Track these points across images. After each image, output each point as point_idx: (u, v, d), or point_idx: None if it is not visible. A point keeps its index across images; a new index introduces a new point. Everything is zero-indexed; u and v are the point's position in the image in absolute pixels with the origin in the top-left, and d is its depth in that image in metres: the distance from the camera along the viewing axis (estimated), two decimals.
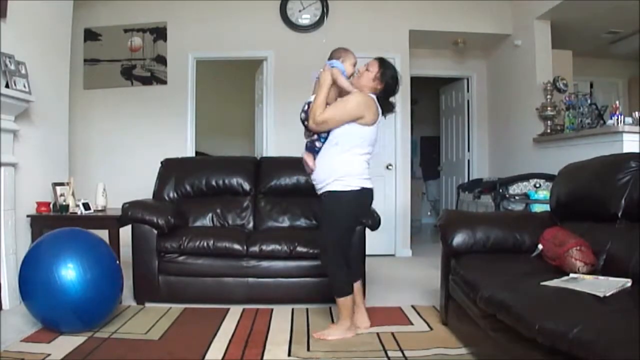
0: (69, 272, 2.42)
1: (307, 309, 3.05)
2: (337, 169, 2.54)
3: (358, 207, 2.64)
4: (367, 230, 3.17)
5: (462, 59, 5.97)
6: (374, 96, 2.61)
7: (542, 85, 4.70)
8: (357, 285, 2.72)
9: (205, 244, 3.11)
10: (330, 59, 2.65)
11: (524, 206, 4.08)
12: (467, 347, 2.38)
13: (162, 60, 5.11)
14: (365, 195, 2.60)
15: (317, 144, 2.61)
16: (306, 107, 2.61)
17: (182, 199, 3.73)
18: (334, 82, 2.55)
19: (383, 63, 2.64)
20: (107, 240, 3.04)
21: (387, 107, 2.68)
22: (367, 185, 2.60)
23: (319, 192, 2.64)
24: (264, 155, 5.03)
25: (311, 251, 3.07)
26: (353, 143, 2.54)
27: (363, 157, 2.59)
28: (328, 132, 2.57)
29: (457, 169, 6.44)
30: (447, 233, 2.64)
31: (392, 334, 2.60)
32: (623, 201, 2.21)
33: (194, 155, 5.22)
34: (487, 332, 2.02)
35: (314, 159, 2.62)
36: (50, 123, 3.55)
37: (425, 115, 8.15)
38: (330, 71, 2.56)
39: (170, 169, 3.86)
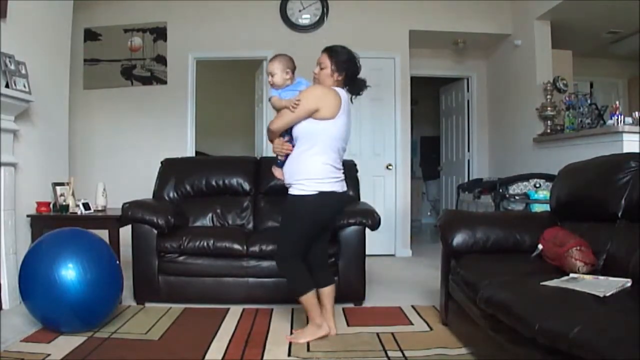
0: (69, 272, 2.42)
1: None
2: (295, 173, 2.45)
3: (316, 213, 2.45)
4: (367, 230, 3.17)
5: (462, 59, 5.97)
6: (337, 88, 2.48)
7: (542, 85, 4.70)
8: (327, 290, 2.60)
9: (205, 244, 3.12)
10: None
11: (524, 206, 4.08)
12: (467, 347, 2.38)
13: (162, 60, 5.12)
14: (325, 198, 2.42)
15: (280, 158, 2.57)
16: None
17: (182, 199, 3.73)
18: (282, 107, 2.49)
19: (331, 52, 2.49)
20: (107, 240, 3.04)
21: (357, 87, 2.54)
22: (327, 188, 2.41)
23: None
24: (264, 155, 5.02)
25: None
26: (312, 142, 2.41)
27: (325, 157, 2.42)
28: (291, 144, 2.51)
29: (457, 169, 6.44)
30: (447, 233, 2.64)
31: (392, 334, 2.60)
32: (623, 201, 2.21)
33: (194, 155, 5.22)
34: (487, 332, 2.02)
35: (280, 170, 2.59)
36: (50, 123, 3.56)
37: (425, 115, 8.15)
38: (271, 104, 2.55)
39: (170, 169, 3.86)
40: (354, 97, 2.58)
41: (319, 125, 2.41)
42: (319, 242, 2.63)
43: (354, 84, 2.53)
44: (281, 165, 2.58)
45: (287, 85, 2.53)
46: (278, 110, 2.52)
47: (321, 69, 2.50)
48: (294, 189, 2.45)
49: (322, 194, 2.40)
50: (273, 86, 2.54)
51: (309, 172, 2.41)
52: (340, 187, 2.50)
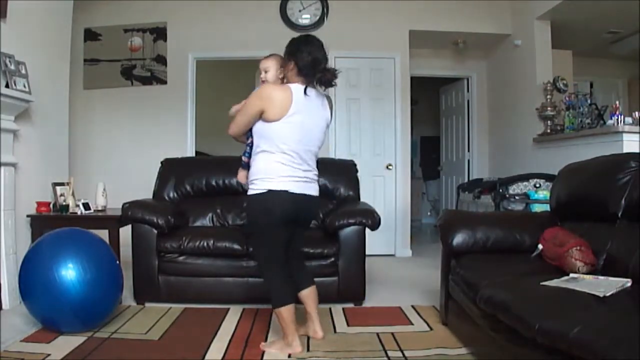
0: (69, 272, 2.42)
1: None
2: (250, 174, 2.38)
3: (269, 213, 2.28)
4: (367, 230, 3.17)
5: (462, 59, 5.97)
6: (293, 85, 2.30)
7: (542, 85, 4.70)
8: (307, 292, 2.52)
9: (205, 244, 3.11)
10: None
11: (524, 206, 4.08)
12: (467, 347, 2.38)
13: (162, 60, 5.11)
14: (275, 197, 2.26)
15: (243, 158, 2.52)
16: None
17: (182, 199, 3.73)
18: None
19: (288, 44, 2.38)
20: (107, 240, 3.04)
21: (322, 80, 2.31)
22: (277, 187, 2.26)
23: None
24: None
25: (311, 251, 3.07)
26: (263, 142, 2.31)
27: (275, 156, 2.28)
28: (251, 145, 2.42)
29: (457, 169, 6.44)
30: (447, 233, 2.63)
31: (392, 334, 2.60)
32: (623, 201, 2.22)
33: (194, 155, 5.22)
34: (487, 332, 2.02)
35: (245, 172, 2.51)
36: (50, 123, 3.56)
37: (425, 115, 8.15)
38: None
39: (170, 169, 3.86)
40: (323, 88, 2.36)
41: (269, 127, 2.28)
42: (290, 250, 2.49)
43: (311, 74, 2.30)
44: (245, 167, 2.53)
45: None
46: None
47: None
48: (249, 189, 2.36)
49: (271, 192, 2.26)
50: (264, 83, 2.43)
51: (258, 171, 2.30)
52: (298, 187, 2.30)
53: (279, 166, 2.27)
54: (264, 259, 2.41)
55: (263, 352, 2.36)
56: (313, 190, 2.41)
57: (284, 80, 2.41)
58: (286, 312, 2.33)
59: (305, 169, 2.35)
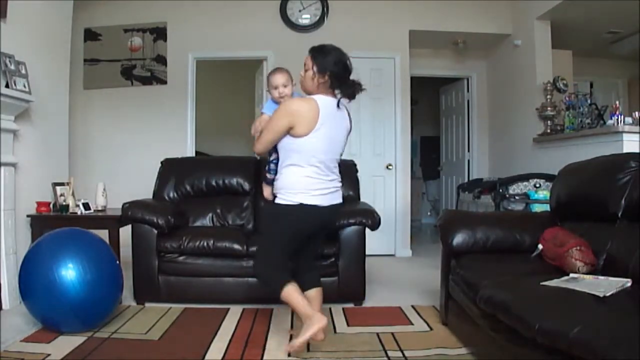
0: (69, 272, 2.42)
1: None
2: (278, 186, 2.37)
3: (294, 226, 2.33)
4: (367, 230, 3.17)
5: (462, 59, 5.97)
6: (318, 97, 2.29)
7: (542, 85, 4.70)
8: (313, 293, 2.47)
9: (205, 244, 3.12)
10: None
11: (524, 206, 4.08)
12: (467, 347, 2.38)
13: (162, 60, 5.11)
14: (305, 212, 2.29)
15: (268, 175, 2.50)
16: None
17: (182, 199, 3.73)
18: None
19: (315, 52, 2.32)
20: (107, 240, 3.04)
21: (348, 91, 2.30)
22: (308, 201, 2.28)
23: None
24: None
25: None
26: (290, 156, 2.31)
27: (304, 169, 2.28)
28: (276, 162, 2.41)
29: (457, 169, 6.44)
30: (447, 233, 2.64)
31: (392, 334, 2.60)
32: (623, 201, 2.21)
33: (194, 155, 5.22)
34: (487, 332, 2.02)
35: (271, 188, 2.50)
36: (50, 123, 3.56)
37: (425, 115, 8.15)
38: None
39: (170, 169, 3.86)
40: (347, 101, 2.37)
41: (297, 142, 2.27)
42: (306, 252, 2.53)
43: (344, 87, 2.31)
44: (269, 183, 2.51)
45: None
46: (256, 130, 2.44)
47: (305, 70, 2.34)
48: (277, 198, 2.37)
49: (300, 206, 2.28)
50: (281, 98, 2.41)
51: (290, 185, 2.30)
52: (325, 200, 2.33)
53: (309, 180, 2.29)
54: (265, 252, 2.40)
55: (263, 352, 2.35)
56: (338, 197, 2.44)
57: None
58: (292, 290, 2.24)
59: (332, 178, 2.38)
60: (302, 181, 2.28)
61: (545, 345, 1.51)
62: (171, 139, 5.08)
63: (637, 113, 3.47)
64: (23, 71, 3.09)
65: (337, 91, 2.34)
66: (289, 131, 2.26)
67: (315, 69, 2.28)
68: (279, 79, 2.43)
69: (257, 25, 5.13)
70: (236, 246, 3.12)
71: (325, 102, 2.29)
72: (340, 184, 2.46)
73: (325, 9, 5.12)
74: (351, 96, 2.32)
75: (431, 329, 2.71)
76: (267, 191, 2.56)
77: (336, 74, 2.28)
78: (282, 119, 2.25)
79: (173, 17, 5.11)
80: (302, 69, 2.36)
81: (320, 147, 2.28)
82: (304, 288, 2.45)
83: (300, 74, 2.37)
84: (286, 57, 5.11)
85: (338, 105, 2.34)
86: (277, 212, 2.36)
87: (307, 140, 2.25)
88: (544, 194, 3.90)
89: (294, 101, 2.31)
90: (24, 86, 3.06)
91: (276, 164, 2.42)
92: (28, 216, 3.24)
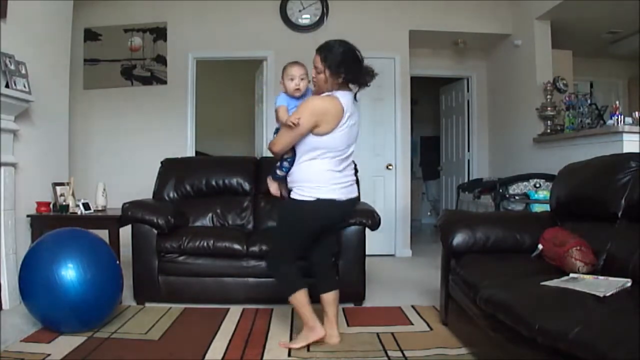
0: (69, 272, 2.42)
1: None
2: (295, 180, 2.37)
3: (310, 220, 2.36)
4: (367, 230, 3.17)
5: (462, 59, 5.97)
6: (338, 93, 2.29)
7: (542, 85, 4.70)
8: (328, 297, 2.49)
9: (205, 244, 3.12)
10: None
11: (524, 206, 4.08)
12: (467, 347, 2.38)
13: (162, 60, 5.11)
14: (322, 206, 2.32)
15: (278, 172, 2.45)
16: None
17: (182, 199, 3.73)
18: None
19: (323, 53, 2.28)
20: (107, 240, 3.04)
21: (363, 80, 2.31)
22: (325, 195, 2.30)
23: None
24: (264, 155, 5.02)
25: None
26: (311, 152, 2.31)
27: (325, 163, 2.31)
28: (292, 160, 2.38)
29: (457, 169, 6.44)
30: (447, 233, 2.64)
31: (392, 334, 2.60)
32: (623, 201, 2.21)
33: (194, 155, 5.22)
34: (487, 332, 2.02)
35: (277, 184, 2.50)
36: (50, 123, 3.55)
37: (425, 115, 8.15)
38: (277, 112, 2.37)
39: (170, 169, 3.86)
40: (362, 88, 2.37)
41: (318, 139, 2.28)
42: (321, 247, 2.58)
43: (360, 79, 2.30)
44: (278, 178, 2.49)
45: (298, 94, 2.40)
46: (281, 122, 2.35)
47: (317, 73, 2.30)
48: (293, 192, 2.38)
49: (319, 201, 2.31)
50: (296, 92, 2.37)
51: (308, 179, 2.32)
52: (343, 194, 2.36)
53: (328, 174, 2.31)
54: (280, 251, 2.43)
55: (263, 352, 2.35)
56: (354, 191, 2.47)
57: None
58: (300, 296, 2.34)
59: (349, 171, 2.43)
60: (323, 175, 2.31)
61: (545, 345, 1.50)
62: (171, 139, 5.07)
63: (637, 113, 3.47)
64: (23, 71, 3.09)
65: (353, 85, 2.35)
66: (309, 131, 2.26)
67: (327, 73, 2.26)
68: (298, 70, 2.39)
69: (257, 25, 5.13)
70: (236, 246, 3.12)
71: (345, 98, 2.30)
72: (354, 178, 2.50)
73: (325, 9, 5.12)
74: (366, 84, 2.33)
75: (431, 329, 2.71)
76: (273, 187, 2.54)
77: (348, 65, 2.25)
78: (310, 118, 2.22)
79: (173, 17, 5.11)
80: (313, 69, 2.33)
81: (341, 142, 2.31)
82: (321, 289, 2.49)
83: (312, 76, 2.34)
84: (286, 57, 5.02)
85: (355, 99, 2.37)
86: (295, 207, 2.36)
87: (331, 137, 2.27)
88: (544, 194, 3.90)
89: (320, 100, 2.29)
90: (24, 86, 3.06)
91: (291, 162, 2.39)
92: (28, 216, 3.24)
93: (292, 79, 2.38)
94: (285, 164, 2.42)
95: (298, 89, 2.38)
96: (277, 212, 2.59)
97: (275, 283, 2.59)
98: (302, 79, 2.38)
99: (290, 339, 2.53)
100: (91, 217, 3.34)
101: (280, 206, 2.44)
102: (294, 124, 2.22)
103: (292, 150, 2.39)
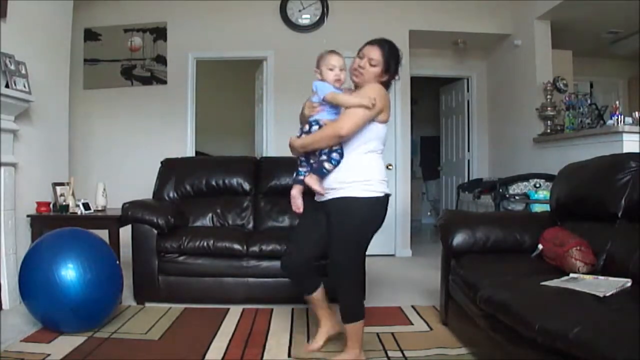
0: (69, 272, 2.42)
1: (307, 309, 3.03)
2: (357, 174, 2.15)
3: (379, 217, 2.22)
4: None
5: (462, 59, 5.97)
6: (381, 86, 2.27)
7: (542, 85, 4.70)
8: (320, 294, 2.42)
9: (205, 244, 3.12)
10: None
11: (524, 206, 4.08)
12: (467, 347, 2.38)
13: (162, 60, 5.11)
14: (386, 201, 2.22)
15: (327, 165, 2.16)
16: (315, 127, 2.21)
17: (182, 199, 3.73)
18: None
19: (384, 45, 2.26)
20: (107, 240, 3.03)
21: (389, 85, 2.34)
22: (387, 190, 2.23)
23: (325, 199, 2.22)
24: (264, 155, 5.03)
25: None
26: (370, 144, 2.19)
27: (380, 157, 2.25)
28: (340, 152, 2.18)
29: (457, 169, 6.44)
30: (447, 233, 2.64)
31: (392, 334, 2.60)
32: (623, 201, 2.22)
33: (194, 155, 5.22)
34: (487, 332, 2.02)
35: (320, 182, 2.20)
36: (50, 123, 3.55)
37: (425, 115, 8.15)
38: (330, 98, 2.19)
39: (170, 169, 3.86)
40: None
41: (378, 128, 2.19)
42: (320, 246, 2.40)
43: (390, 83, 2.33)
44: (324, 175, 2.19)
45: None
46: (344, 107, 2.16)
47: (371, 65, 2.21)
48: (356, 190, 2.14)
49: (387, 196, 2.21)
50: (336, 82, 2.24)
51: (373, 172, 2.17)
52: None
53: (384, 169, 2.26)
54: (356, 266, 2.27)
55: (263, 352, 2.35)
56: None
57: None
58: (362, 325, 2.24)
59: None
60: (383, 169, 2.25)
61: (545, 345, 1.51)
62: (171, 139, 5.07)
63: (637, 113, 3.47)
64: (23, 71, 3.09)
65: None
66: (375, 117, 2.17)
67: (384, 67, 2.24)
68: (339, 60, 2.26)
69: (257, 26, 5.13)
70: (236, 246, 3.12)
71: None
72: None
73: (325, 9, 5.12)
74: (387, 88, 2.33)
75: (431, 329, 2.71)
76: (299, 201, 2.30)
77: (395, 71, 2.32)
78: (380, 101, 2.13)
79: (173, 17, 5.10)
80: (361, 59, 2.25)
81: (385, 135, 2.27)
82: (308, 291, 2.42)
83: (360, 65, 2.24)
84: (286, 57, 5.12)
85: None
86: (366, 208, 2.14)
87: (384, 127, 2.24)
88: (544, 194, 3.90)
89: (380, 86, 2.23)
90: (24, 86, 3.06)
91: (341, 154, 2.17)
92: (28, 216, 3.23)
93: (331, 69, 2.24)
94: (335, 155, 2.17)
95: (339, 80, 2.25)
96: (329, 220, 2.20)
97: (284, 282, 2.56)
98: (341, 70, 2.26)
99: (290, 338, 2.53)
100: (91, 217, 3.34)
101: (335, 208, 2.16)
102: (373, 105, 2.10)
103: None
